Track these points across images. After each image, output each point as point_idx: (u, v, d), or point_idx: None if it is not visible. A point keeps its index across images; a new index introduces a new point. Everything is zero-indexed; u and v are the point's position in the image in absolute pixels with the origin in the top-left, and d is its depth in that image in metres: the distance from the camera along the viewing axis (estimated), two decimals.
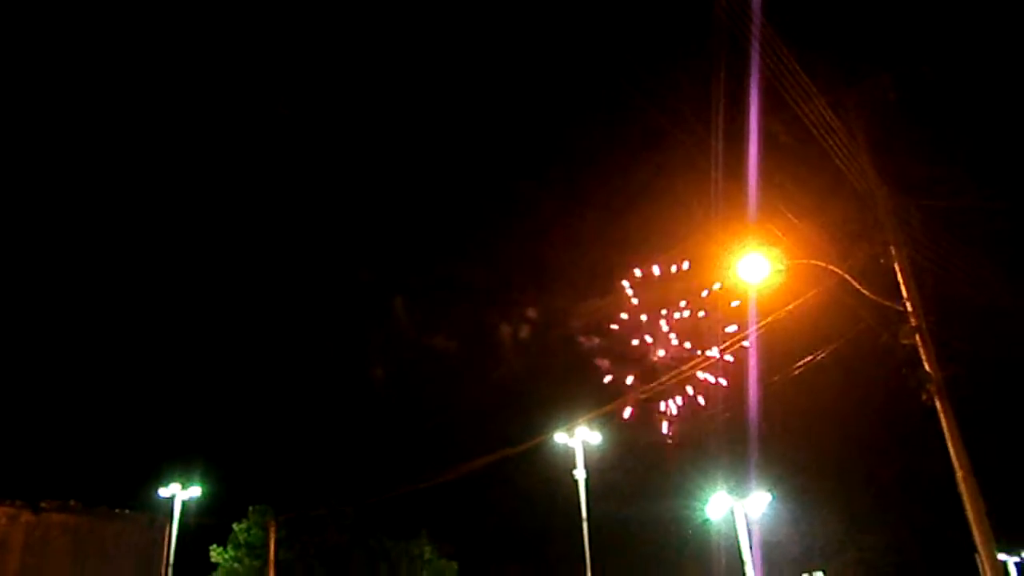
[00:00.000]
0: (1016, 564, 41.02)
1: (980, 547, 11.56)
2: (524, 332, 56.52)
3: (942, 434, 11.99)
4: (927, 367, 12.00)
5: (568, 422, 30.64)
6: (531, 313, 57.54)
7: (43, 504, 29.29)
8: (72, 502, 30.50)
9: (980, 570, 11.66)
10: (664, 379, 17.04)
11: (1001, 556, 16.68)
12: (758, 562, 31.20)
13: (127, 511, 32.48)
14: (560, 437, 30.40)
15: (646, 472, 44.50)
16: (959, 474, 11.67)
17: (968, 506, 11.53)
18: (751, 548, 30.11)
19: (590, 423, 30.19)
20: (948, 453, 11.88)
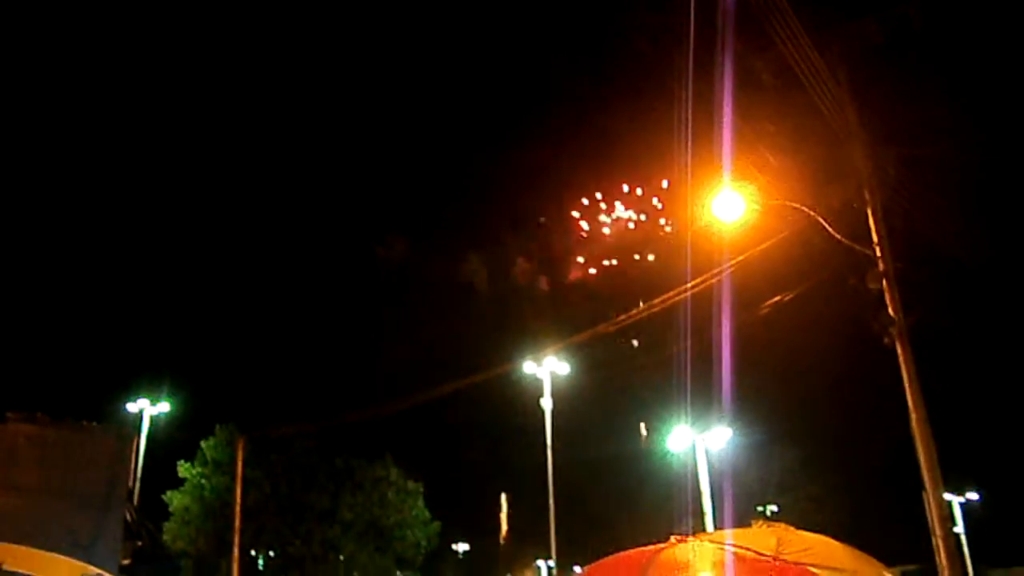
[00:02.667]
0: (960, 504, 42.73)
1: (928, 487, 11.94)
2: (496, 262, 56.67)
3: (900, 378, 12.23)
4: (891, 311, 12.16)
5: (538, 352, 30.98)
6: (501, 243, 57.74)
7: (9, 415, 29.13)
8: (39, 414, 30.37)
9: (927, 509, 12.05)
10: (636, 311, 17.12)
11: (947, 496, 17.28)
12: (723, 494, 32.10)
13: (94, 423, 32.46)
14: (529, 367, 30.79)
15: (611, 404, 45.36)
16: (913, 418, 11.96)
17: (920, 449, 11.86)
18: (710, 480, 30.96)
19: (558, 353, 30.55)
20: (905, 397, 12.16)
